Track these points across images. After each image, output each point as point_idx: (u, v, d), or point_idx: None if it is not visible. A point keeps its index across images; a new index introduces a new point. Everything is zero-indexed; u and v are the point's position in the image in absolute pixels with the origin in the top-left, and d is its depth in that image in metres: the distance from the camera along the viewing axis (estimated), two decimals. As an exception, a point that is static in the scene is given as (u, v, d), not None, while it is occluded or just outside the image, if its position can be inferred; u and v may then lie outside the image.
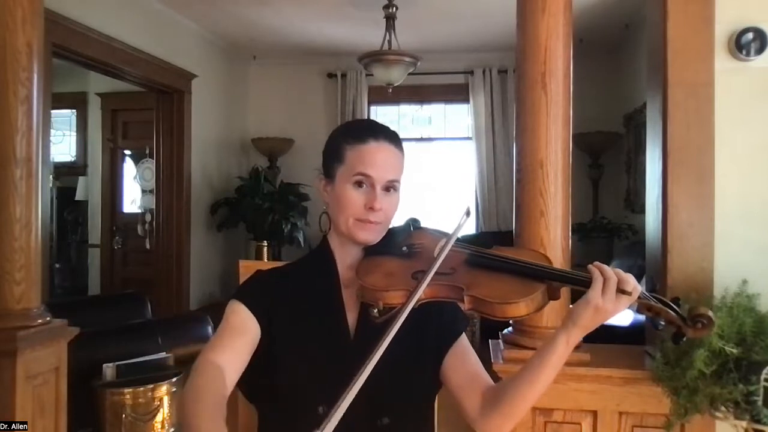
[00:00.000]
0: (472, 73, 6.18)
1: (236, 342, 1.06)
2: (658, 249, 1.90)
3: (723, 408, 1.57)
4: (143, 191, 5.67)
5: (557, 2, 1.79)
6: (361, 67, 5.07)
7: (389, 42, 4.42)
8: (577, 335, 1.00)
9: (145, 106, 5.50)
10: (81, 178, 6.39)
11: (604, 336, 1.36)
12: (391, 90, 4.78)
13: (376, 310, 1.00)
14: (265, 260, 5.66)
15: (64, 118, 6.63)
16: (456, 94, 6.31)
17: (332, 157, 1.15)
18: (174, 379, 2.93)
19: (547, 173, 1.78)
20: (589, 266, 0.98)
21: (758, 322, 1.57)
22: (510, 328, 1.90)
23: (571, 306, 1.26)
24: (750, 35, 1.82)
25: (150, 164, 5.50)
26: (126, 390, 2.80)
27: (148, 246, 5.43)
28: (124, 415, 2.78)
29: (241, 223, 5.89)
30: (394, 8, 4.38)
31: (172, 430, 2.92)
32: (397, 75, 4.51)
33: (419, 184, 6.36)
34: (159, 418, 2.86)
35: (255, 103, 6.55)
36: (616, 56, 5.73)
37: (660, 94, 1.88)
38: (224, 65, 6.03)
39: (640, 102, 4.51)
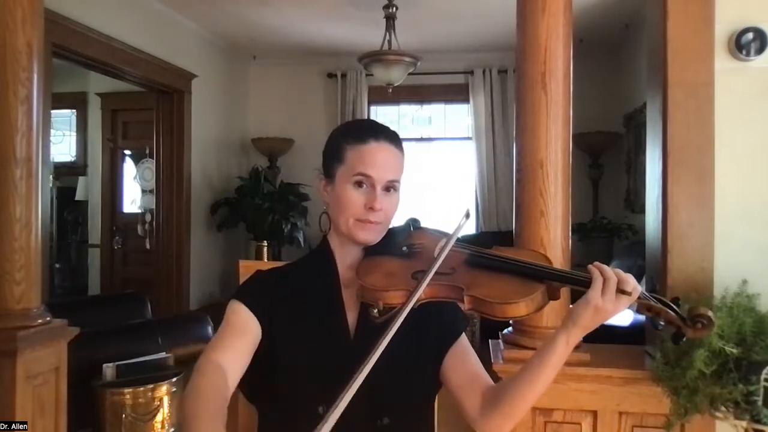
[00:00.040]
0: (472, 73, 6.18)
1: (238, 342, 1.06)
2: (658, 249, 1.90)
3: (723, 408, 1.57)
4: (143, 191, 5.67)
5: (557, 2, 1.79)
6: (361, 67, 5.07)
7: (389, 42, 4.42)
8: (577, 335, 1.00)
9: (145, 106, 5.50)
10: (81, 178, 6.39)
11: (604, 336, 1.36)
12: (391, 90, 4.78)
13: (376, 310, 1.00)
14: (265, 260, 5.66)
15: (64, 118, 6.63)
16: (456, 94, 6.31)
17: (332, 157, 1.15)
18: (174, 379, 2.93)
19: (547, 173, 1.78)
20: (589, 266, 0.98)
21: (758, 322, 1.57)
22: (510, 328, 1.90)
23: (571, 306, 1.26)
24: (750, 35, 1.82)
25: (150, 164, 5.50)
26: (126, 390, 2.80)
27: (148, 246, 5.43)
28: (124, 415, 2.78)
29: (241, 223, 5.89)
30: (394, 8, 4.38)
31: (172, 430, 2.92)
32: (397, 75, 4.51)
33: (419, 184, 6.36)
34: (159, 418, 2.86)
35: (255, 103, 6.55)
36: (616, 56, 5.73)
37: (660, 94, 1.88)
38: (224, 65, 6.03)
39: (640, 102, 4.51)
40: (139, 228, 5.52)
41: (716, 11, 1.84)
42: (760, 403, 1.50)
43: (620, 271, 0.96)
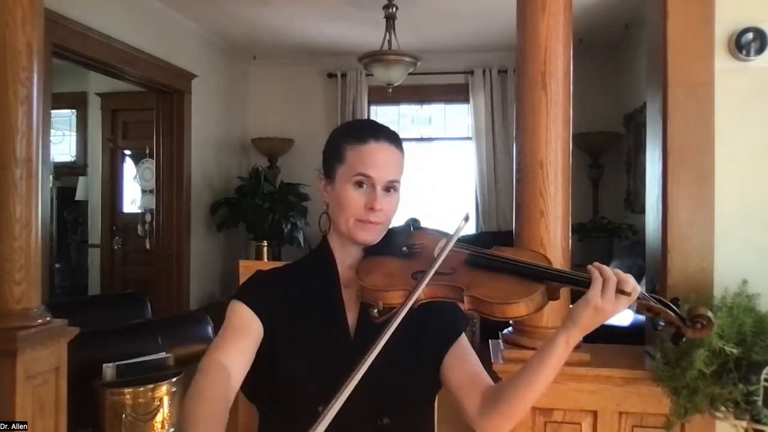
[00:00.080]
0: (472, 73, 6.18)
1: (240, 342, 1.06)
2: (658, 249, 1.90)
3: (723, 408, 1.57)
4: (143, 191, 5.67)
5: (557, 2, 1.79)
6: (361, 67, 5.07)
7: (389, 42, 4.42)
8: (576, 335, 1.00)
9: (145, 106, 5.50)
10: (81, 178, 6.40)
11: (604, 336, 1.36)
12: (391, 90, 4.78)
13: (376, 310, 1.00)
14: (265, 260, 5.66)
15: (64, 118, 6.63)
16: (456, 94, 6.31)
17: (332, 157, 1.15)
18: (174, 379, 2.93)
19: (547, 173, 1.78)
20: (589, 267, 0.98)
21: (758, 322, 1.57)
22: (510, 328, 1.90)
23: (571, 306, 1.26)
24: (750, 35, 1.82)
25: (150, 164, 5.51)
26: (126, 390, 2.80)
27: (148, 246, 5.43)
28: (124, 415, 2.78)
29: (241, 223, 5.89)
30: (394, 8, 4.38)
31: (172, 430, 2.92)
32: (397, 75, 4.51)
33: (419, 184, 6.37)
34: (159, 418, 2.86)
35: (255, 103, 6.55)
36: (616, 56, 5.73)
37: (660, 94, 1.88)
38: (224, 65, 6.03)
39: (640, 102, 4.51)
40: (139, 228, 5.52)
41: (716, 11, 1.84)
42: (760, 403, 1.50)
43: (620, 272, 0.96)
